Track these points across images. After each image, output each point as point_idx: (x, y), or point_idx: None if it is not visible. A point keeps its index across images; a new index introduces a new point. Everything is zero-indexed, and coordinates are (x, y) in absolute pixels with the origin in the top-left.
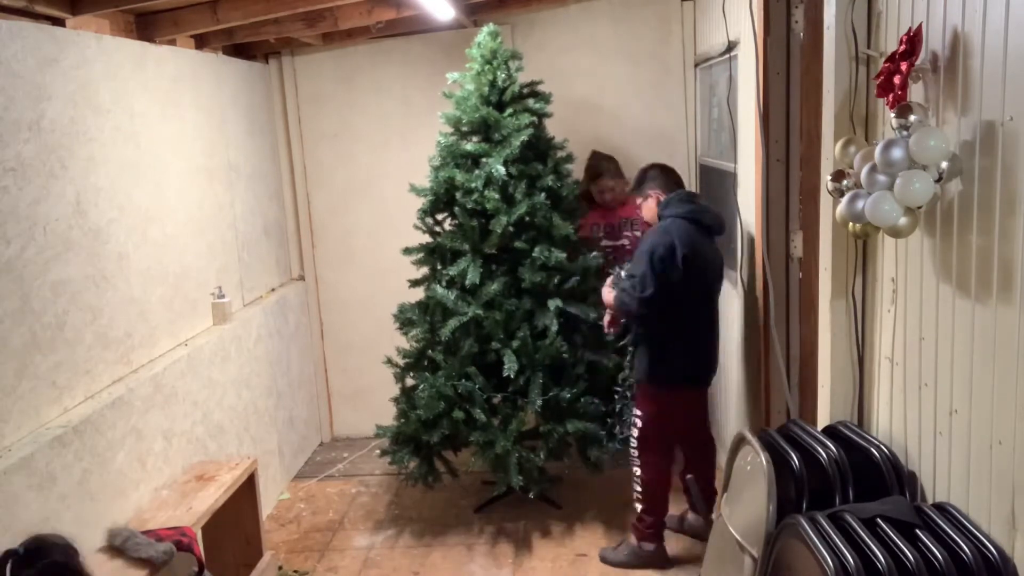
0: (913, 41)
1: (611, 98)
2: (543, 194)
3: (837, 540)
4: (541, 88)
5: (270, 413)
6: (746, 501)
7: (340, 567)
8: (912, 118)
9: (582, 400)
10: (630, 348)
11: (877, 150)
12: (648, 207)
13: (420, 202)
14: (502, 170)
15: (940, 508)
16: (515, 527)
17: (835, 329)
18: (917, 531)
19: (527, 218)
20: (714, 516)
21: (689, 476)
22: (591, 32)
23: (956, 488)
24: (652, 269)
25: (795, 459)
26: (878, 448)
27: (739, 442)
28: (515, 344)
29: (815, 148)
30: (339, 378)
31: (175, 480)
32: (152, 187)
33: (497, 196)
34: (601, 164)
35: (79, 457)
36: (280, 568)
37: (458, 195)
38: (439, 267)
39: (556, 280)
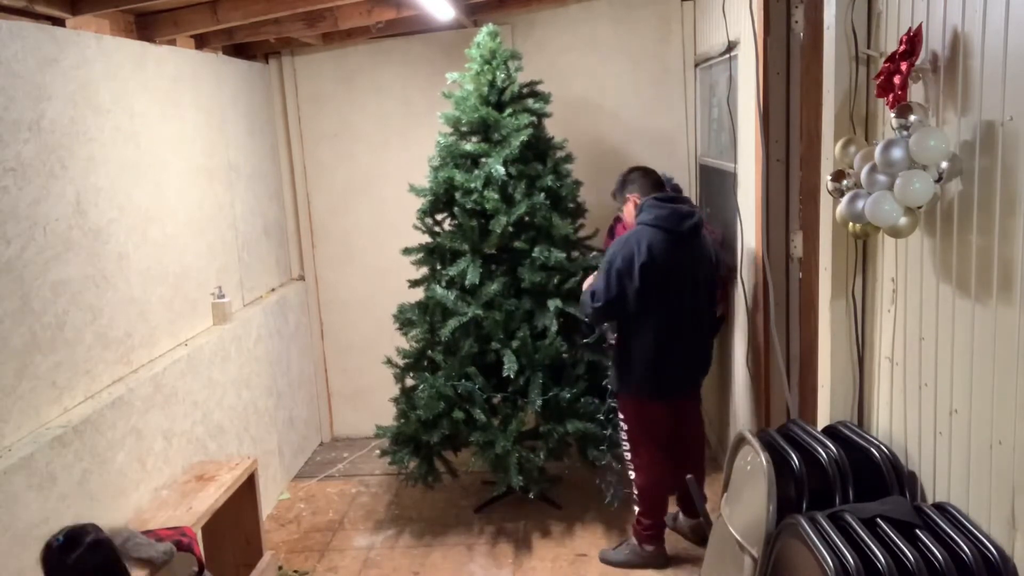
0: (913, 41)
1: (611, 98)
2: (543, 194)
3: (837, 540)
4: (541, 88)
5: (270, 413)
6: (746, 501)
7: (340, 567)
8: (912, 118)
9: (582, 400)
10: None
11: (877, 150)
12: (628, 211)
13: (420, 202)
14: (501, 170)
15: (940, 508)
16: (515, 527)
17: (835, 329)
18: (917, 531)
19: (527, 218)
20: (712, 517)
21: (689, 476)
22: (591, 32)
23: (956, 488)
24: (607, 279)
25: (795, 459)
26: (878, 448)
27: (739, 442)
28: (515, 344)
29: (815, 148)
30: (339, 378)
31: (175, 480)
32: (152, 187)
33: (497, 196)
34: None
35: (79, 457)
36: (280, 568)
37: (458, 195)
38: (439, 267)
39: (556, 280)
